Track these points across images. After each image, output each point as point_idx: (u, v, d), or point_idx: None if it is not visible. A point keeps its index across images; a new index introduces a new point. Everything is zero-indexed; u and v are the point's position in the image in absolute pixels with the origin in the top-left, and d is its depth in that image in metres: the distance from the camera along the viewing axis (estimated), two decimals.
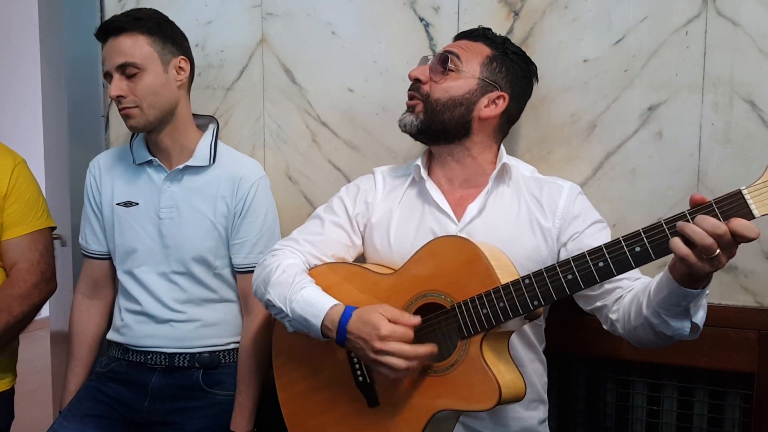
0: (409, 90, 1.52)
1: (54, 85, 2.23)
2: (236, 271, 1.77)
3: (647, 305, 1.26)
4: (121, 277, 1.79)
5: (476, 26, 1.56)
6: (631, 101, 1.61)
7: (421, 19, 1.74)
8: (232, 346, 1.78)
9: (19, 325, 1.79)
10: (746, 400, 1.59)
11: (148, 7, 1.80)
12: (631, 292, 1.35)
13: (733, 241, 1.09)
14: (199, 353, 1.75)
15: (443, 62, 1.47)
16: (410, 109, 1.51)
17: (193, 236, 1.72)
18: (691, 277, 1.15)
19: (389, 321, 1.33)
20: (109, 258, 1.83)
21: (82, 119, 2.09)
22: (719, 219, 1.09)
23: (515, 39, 1.64)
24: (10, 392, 1.88)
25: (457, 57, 1.47)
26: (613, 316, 1.37)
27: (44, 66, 2.30)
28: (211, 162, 1.72)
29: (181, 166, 1.72)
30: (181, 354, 1.75)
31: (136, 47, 1.63)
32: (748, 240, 1.08)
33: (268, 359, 1.66)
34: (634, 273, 1.36)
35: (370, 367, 1.41)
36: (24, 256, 1.79)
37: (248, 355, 1.73)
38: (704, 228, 1.08)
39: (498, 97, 1.47)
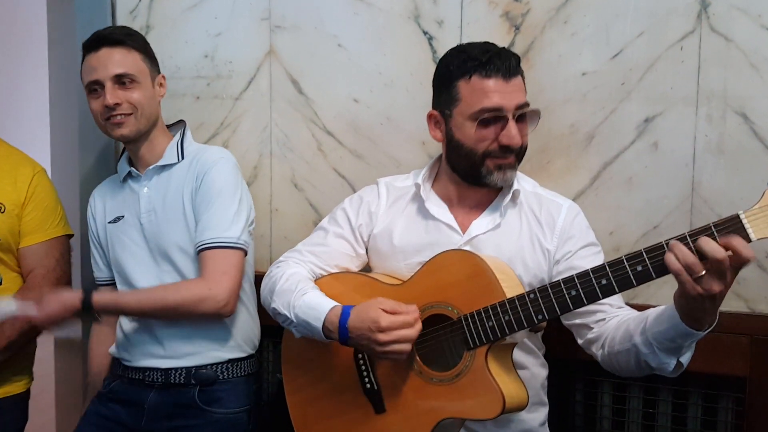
0: (509, 153, 1.45)
1: (63, 96, 2.27)
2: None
3: (640, 333, 1.30)
4: (121, 289, 1.82)
5: (480, 40, 1.58)
6: (628, 113, 1.66)
7: (425, 33, 1.79)
8: (227, 357, 1.76)
9: (35, 330, 1.82)
10: (738, 403, 1.63)
11: (159, 18, 1.89)
12: (616, 318, 1.39)
13: (727, 265, 1.12)
14: (196, 368, 1.74)
15: (536, 121, 1.49)
16: (512, 166, 1.47)
17: (170, 229, 1.75)
18: (690, 309, 1.19)
19: (387, 312, 1.36)
20: (111, 282, 1.87)
21: (95, 131, 1.98)
22: (716, 241, 1.13)
23: (516, 52, 1.69)
24: (26, 394, 1.92)
25: None
26: (591, 336, 1.42)
27: (53, 78, 2.34)
28: (180, 159, 1.79)
29: (151, 167, 1.80)
30: (176, 369, 1.74)
31: (133, 61, 1.74)
32: (743, 260, 1.12)
33: (175, 314, 1.68)
34: (617, 300, 1.41)
35: (375, 370, 1.45)
36: (41, 262, 1.84)
37: (177, 289, 1.69)
38: (700, 248, 1.12)
39: None
